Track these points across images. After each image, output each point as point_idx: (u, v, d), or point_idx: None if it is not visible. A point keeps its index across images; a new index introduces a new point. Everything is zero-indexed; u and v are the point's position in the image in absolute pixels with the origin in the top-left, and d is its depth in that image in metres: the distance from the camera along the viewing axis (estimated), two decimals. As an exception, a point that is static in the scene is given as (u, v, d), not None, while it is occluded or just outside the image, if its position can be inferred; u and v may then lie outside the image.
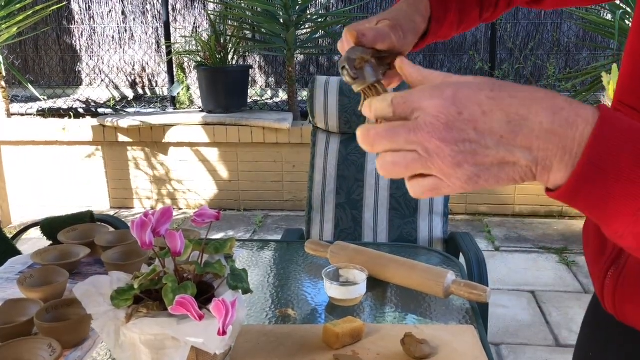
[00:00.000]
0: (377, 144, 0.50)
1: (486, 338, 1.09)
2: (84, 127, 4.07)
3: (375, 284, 1.27)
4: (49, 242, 1.50)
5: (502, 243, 3.46)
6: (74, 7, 5.24)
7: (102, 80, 5.38)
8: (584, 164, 0.44)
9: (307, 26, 4.36)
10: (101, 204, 4.20)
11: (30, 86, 4.22)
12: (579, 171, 0.44)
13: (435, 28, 0.78)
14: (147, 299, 0.92)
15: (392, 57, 0.63)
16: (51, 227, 1.54)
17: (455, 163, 0.46)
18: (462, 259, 1.71)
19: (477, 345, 1.01)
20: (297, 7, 4.08)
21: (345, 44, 0.65)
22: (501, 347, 2.41)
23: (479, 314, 1.15)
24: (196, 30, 5.03)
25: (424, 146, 0.47)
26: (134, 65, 5.35)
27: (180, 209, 4.19)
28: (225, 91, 4.08)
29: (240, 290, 0.95)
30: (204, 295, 0.93)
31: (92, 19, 5.25)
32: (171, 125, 3.96)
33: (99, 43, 5.32)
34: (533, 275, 3.00)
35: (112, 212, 4.02)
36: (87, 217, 1.60)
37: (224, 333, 0.81)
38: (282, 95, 5.09)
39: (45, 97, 4.99)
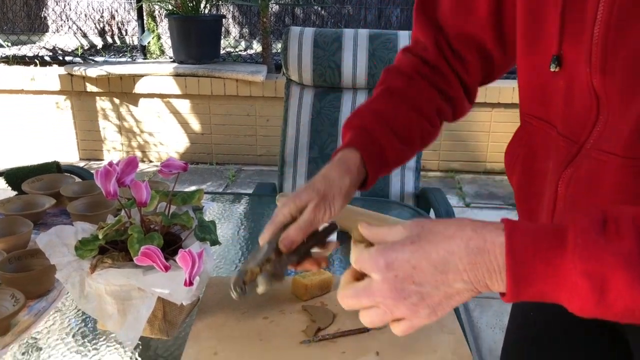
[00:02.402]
0: (351, 304, 0.59)
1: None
2: (51, 76, 3.94)
3: (345, 237, 1.27)
4: (14, 193, 1.46)
5: (473, 199, 3.50)
6: (38, -52, 5.00)
7: (69, 27, 5.18)
8: (510, 277, 0.50)
9: (282, -24, 4.23)
10: (70, 156, 4.11)
11: (-8, 32, 4.05)
12: (511, 285, 0.50)
13: (374, 172, 0.82)
14: (113, 249, 0.90)
15: (328, 227, 0.73)
16: (15, 176, 1.49)
17: (412, 310, 0.55)
18: (432, 214, 1.72)
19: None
20: (273, -45, 3.95)
21: (266, 235, 0.74)
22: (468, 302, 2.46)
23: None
24: (168, -23, 4.85)
25: (384, 303, 0.56)
26: (102, 12, 5.16)
27: (150, 161, 4.12)
28: (197, 41, 3.97)
29: (208, 242, 0.94)
30: (171, 247, 0.91)
31: (57, -38, 5.03)
32: (141, 76, 3.85)
33: (66, -12, 5.10)
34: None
35: (81, 164, 3.94)
36: (53, 167, 1.56)
37: (191, 284, 0.81)
38: (256, 47, 4.98)
39: (9, 44, 4.80)
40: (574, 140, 0.70)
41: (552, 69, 0.68)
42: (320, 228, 0.72)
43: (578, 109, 0.68)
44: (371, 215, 1.29)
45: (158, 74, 3.85)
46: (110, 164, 0.89)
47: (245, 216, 1.45)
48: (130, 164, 0.90)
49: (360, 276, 0.60)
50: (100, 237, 0.88)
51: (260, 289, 0.69)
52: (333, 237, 0.75)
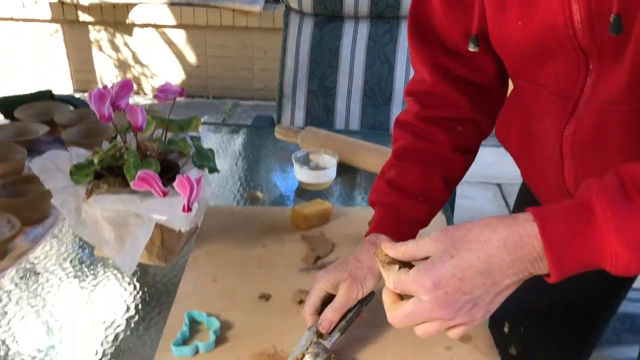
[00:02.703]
0: (404, 324, 0.58)
1: (453, 223, 1.10)
2: (42, 3, 3.80)
3: (345, 169, 1.26)
4: (6, 122, 1.43)
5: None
6: None
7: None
8: (552, 263, 0.51)
9: None
10: (64, 87, 4.02)
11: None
12: (554, 269, 0.51)
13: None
14: (109, 175, 0.88)
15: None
16: (8, 104, 1.45)
17: (468, 316, 0.55)
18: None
19: (444, 229, 1.02)
20: None
21: (308, 319, 0.73)
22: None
23: (447, 205, 1.15)
24: None
25: (440, 318, 0.56)
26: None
27: (145, 94, 4.05)
28: (193, -31, 3.81)
29: (206, 169, 0.92)
30: (169, 174, 0.89)
31: None
32: (135, 4, 3.72)
33: None
34: (500, 168, 3.04)
35: (76, 96, 3.87)
36: (47, 96, 1.52)
37: (189, 210, 0.79)
38: (254, -23, 4.80)
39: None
40: (567, 97, 0.67)
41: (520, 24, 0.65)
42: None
43: (564, 67, 0.65)
44: (369, 147, 1.27)
45: (152, 2, 3.72)
46: (105, 86, 0.86)
47: (243, 147, 1.43)
48: (125, 86, 0.87)
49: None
50: (96, 162, 0.86)
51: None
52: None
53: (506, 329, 0.96)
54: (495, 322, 0.97)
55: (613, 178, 0.51)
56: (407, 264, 0.59)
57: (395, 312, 0.58)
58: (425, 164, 0.81)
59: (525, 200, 0.93)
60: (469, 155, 0.86)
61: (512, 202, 2.71)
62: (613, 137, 0.64)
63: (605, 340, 1.79)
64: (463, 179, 0.86)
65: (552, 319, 0.93)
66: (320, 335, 0.71)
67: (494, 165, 3.11)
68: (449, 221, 1.07)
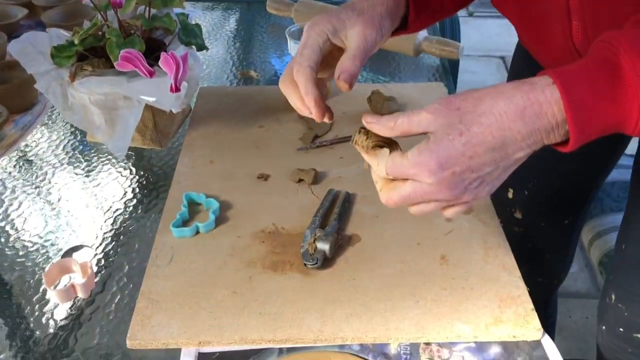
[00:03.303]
0: (398, 206, 0.52)
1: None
2: None
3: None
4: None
5: (476, 8, 3.33)
6: None
7: None
8: (574, 128, 0.46)
9: None
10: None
11: None
12: (575, 134, 0.46)
13: (416, 11, 0.67)
14: (92, 56, 0.83)
15: None
16: (-19, -13, 1.37)
17: (473, 196, 0.50)
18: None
19: (445, 102, 0.98)
20: None
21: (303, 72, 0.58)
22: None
23: (449, 72, 1.11)
24: None
25: (443, 200, 0.50)
26: None
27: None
28: None
29: (194, 47, 0.87)
30: (154, 53, 0.85)
31: None
32: None
33: None
34: (505, 40, 2.92)
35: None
36: (22, -24, 1.42)
37: (177, 90, 0.76)
38: None
39: None
40: None
41: None
42: None
43: None
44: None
45: None
46: (76, -42, 0.79)
47: (234, 24, 1.36)
48: (99, -43, 0.80)
49: None
50: (76, 42, 0.81)
51: (327, 250, 0.68)
52: None
53: (510, 195, 0.95)
54: (497, 190, 0.96)
55: (634, 28, 0.45)
56: (392, 144, 0.52)
57: (389, 194, 0.51)
58: None
59: (523, 66, 0.88)
60: None
61: (515, 75, 2.65)
62: None
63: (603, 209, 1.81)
64: (465, 53, 0.80)
65: (553, 181, 0.92)
66: (322, 226, 0.71)
67: (497, 37, 3.00)
68: (450, 91, 1.03)
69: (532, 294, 0.64)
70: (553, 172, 0.91)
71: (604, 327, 0.81)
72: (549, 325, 1.10)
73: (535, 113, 0.46)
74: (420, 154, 0.48)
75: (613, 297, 0.78)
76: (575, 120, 0.46)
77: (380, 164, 0.51)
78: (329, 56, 0.62)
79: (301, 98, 0.59)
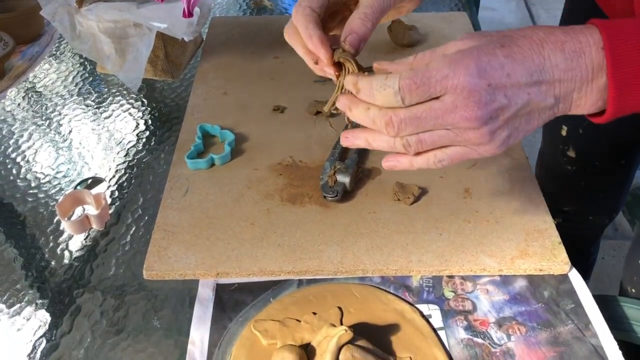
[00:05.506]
0: (403, 130, 0.44)
1: (479, 26, 1.01)
2: None
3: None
4: None
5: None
6: None
7: None
8: (613, 81, 0.42)
9: None
10: None
11: None
12: (613, 91, 0.42)
13: None
14: (99, -19, 0.79)
15: None
16: None
17: (490, 135, 0.43)
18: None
19: (468, 32, 0.94)
20: None
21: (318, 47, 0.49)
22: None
23: (472, 1, 1.06)
24: None
25: (457, 125, 0.43)
26: None
27: None
28: None
29: (206, -29, 0.83)
30: (165, -23, 0.80)
31: None
32: None
33: None
34: (525, -24, 2.82)
35: None
36: None
37: (190, 15, 0.72)
38: None
39: None
40: None
41: None
42: None
43: None
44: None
45: None
46: None
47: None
48: None
49: None
50: (82, -35, 0.77)
51: (347, 182, 0.66)
52: None
53: (564, 132, 0.91)
54: (551, 127, 0.92)
55: None
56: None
57: (395, 112, 0.43)
58: None
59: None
60: None
61: (537, 13, 2.55)
62: None
63: None
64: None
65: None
66: (342, 158, 0.69)
67: (519, -28, 2.88)
68: (474, 22, 0.98)
69: (582, 232, 0.61)
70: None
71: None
72: (590, 263, 1.06)
73: (574, 49, 0.43)
74: (458, 53, 0.42)
75: None
76: (614, 70, 0.42)
77: (385, 85, 0.43)
78: (344, 8, 0.55)
79: (304, 45, 0.51)
